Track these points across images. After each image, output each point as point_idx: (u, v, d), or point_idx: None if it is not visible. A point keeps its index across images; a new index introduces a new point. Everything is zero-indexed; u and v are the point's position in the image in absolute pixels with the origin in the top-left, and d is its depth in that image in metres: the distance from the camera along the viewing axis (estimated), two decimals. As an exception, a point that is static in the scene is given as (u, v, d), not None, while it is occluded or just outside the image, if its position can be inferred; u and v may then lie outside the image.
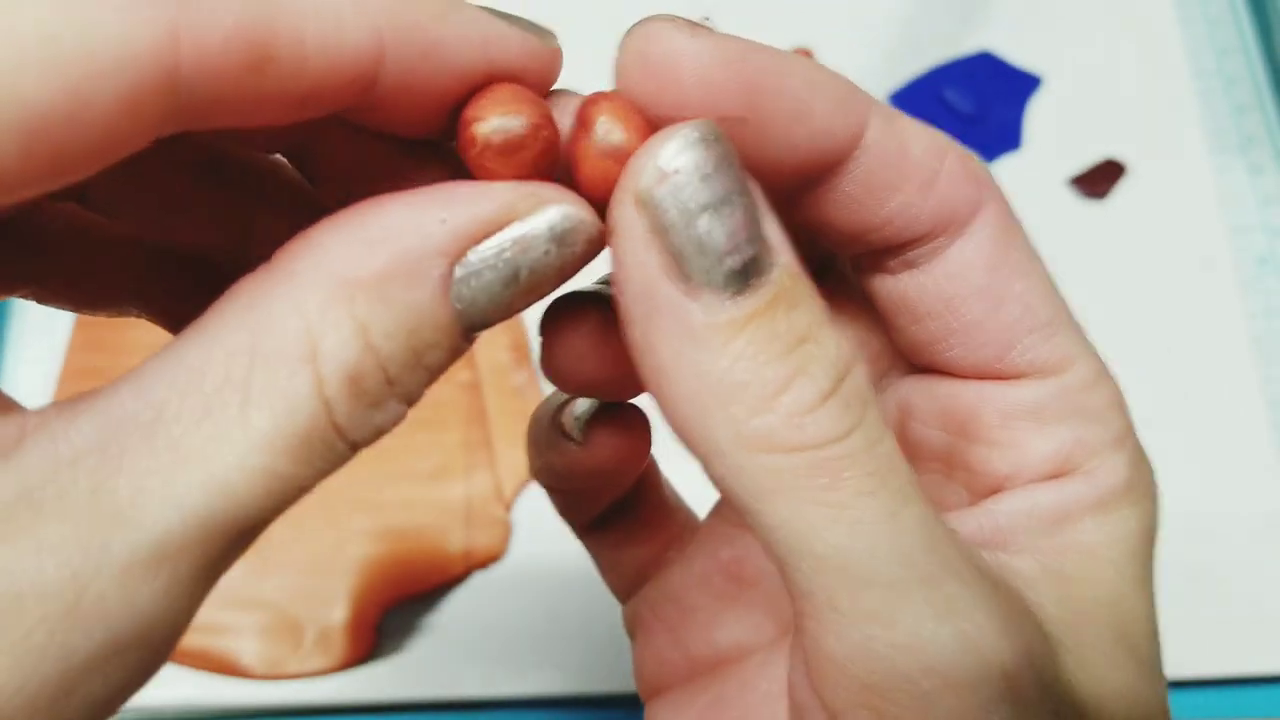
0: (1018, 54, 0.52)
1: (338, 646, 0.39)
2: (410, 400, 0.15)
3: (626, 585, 0.24)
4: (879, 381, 0.21)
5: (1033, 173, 0.50)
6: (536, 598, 0.41)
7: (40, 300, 0.19)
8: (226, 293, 0.14)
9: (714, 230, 0.15)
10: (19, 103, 0.12)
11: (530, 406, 0.43)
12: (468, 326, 0.15)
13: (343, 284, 0.14)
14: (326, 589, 0.40)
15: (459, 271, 0.15)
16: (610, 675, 0.39)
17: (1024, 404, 0.18)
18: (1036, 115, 0.51)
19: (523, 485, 0.42)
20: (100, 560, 0.13)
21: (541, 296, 0.16)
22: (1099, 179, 0.49)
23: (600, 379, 0.18)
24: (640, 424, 0.21)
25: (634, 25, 0.16)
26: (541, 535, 0.41)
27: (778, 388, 0.15)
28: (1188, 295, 0.47)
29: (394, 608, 0.40)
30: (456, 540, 0.41)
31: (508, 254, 0.15)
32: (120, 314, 0.20)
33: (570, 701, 0.39)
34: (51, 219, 0.18)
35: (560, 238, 0.15)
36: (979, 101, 0.51)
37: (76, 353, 0.45)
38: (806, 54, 0.51)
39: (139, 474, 0.13)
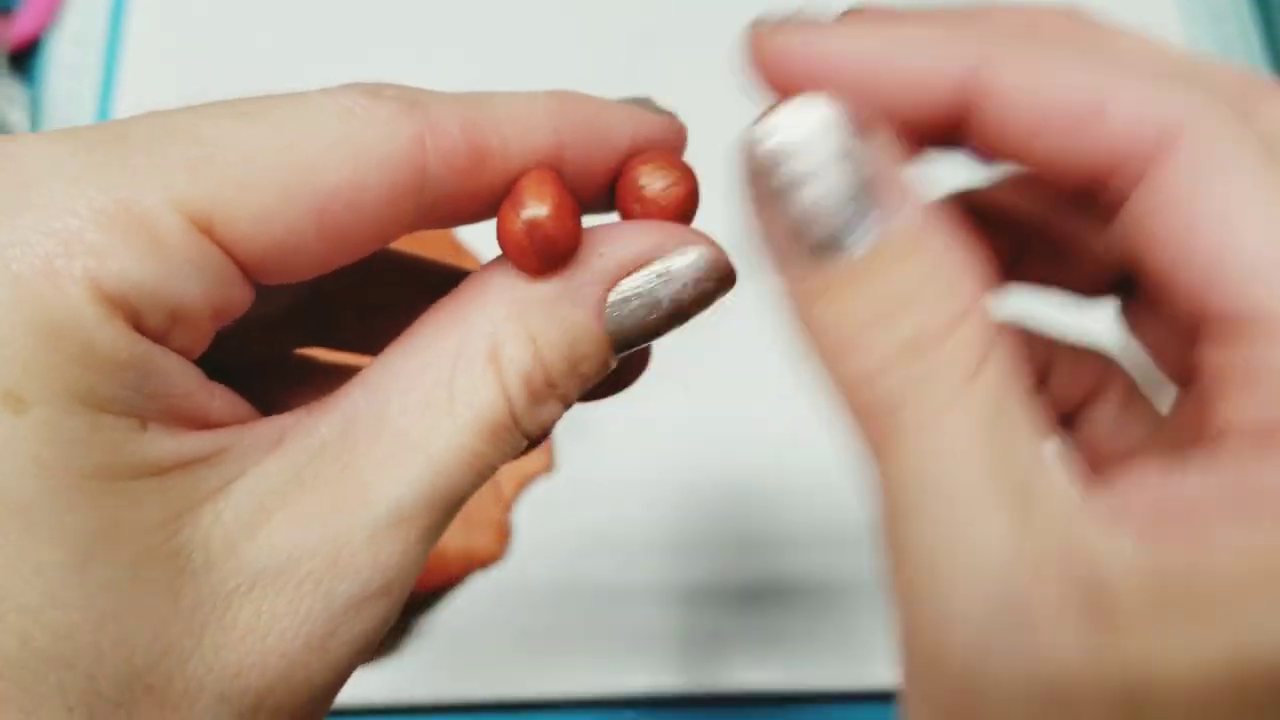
0: (1020, 52, 0.52)
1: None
2: (567, 402, 0.18)
3: (1179, 372, 0.19)
4: None
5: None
6: (536, 600, 0.40)
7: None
8: (432, 308, 0.18)
9: (788, 208, 0.16)
10: (315, 185, 0.15)
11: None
12: (617, 344, 0.18)
13: (522, 301, 0.17)
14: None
15: (612, 296, 0.18)
16: (610, 678, 0.39)
17: None
18: (1039, 114, 0.50)
19: (522, 486, 0.42)
20: (351, 525, 0.16)
21: (679, 324, 0.19)
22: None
23: None
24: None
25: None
26: (541, 537, 0.41)
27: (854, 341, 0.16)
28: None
29: (392, 610, 0.40)
30: (455, 542, 0.40)
31: (653, 285, 0.18)
32: None
33: (570, 705, 0.39)
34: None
35: (697, 275, 0.18)
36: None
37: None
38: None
39: (375, 459, 0.17)
